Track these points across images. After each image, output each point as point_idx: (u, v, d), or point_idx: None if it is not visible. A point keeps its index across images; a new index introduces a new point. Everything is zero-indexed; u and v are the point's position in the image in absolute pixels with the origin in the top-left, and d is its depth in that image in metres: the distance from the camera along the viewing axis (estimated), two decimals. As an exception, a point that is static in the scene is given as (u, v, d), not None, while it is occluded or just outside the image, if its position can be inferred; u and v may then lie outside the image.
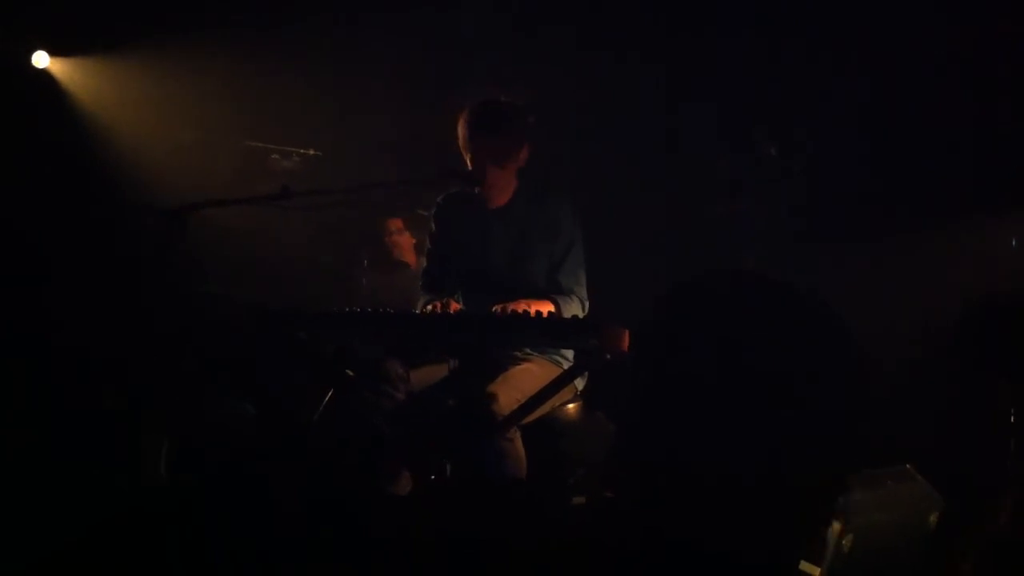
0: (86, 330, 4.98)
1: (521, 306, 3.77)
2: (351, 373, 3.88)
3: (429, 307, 3.95)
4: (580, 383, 4.05)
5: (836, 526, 3.64)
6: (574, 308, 4.05)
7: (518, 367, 3.93)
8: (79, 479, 3.96)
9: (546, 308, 3.89)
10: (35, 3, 5.61)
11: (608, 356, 3.47)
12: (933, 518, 3.73)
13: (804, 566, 3.56)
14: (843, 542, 3.62)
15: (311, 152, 5.68)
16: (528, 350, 4.00)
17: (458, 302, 4.08)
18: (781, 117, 5.00)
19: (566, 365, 4.03)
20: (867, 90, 4.90)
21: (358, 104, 5.79)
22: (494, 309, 3.77)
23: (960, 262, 4.53)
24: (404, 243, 5.49)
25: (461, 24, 5.71)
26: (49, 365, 4.82)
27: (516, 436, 3.78)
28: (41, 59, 5.83)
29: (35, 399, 4.58)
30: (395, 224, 5.50)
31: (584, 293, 4.14)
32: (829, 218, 4.89)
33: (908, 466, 3.82)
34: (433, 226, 4.34)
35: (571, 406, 4.02)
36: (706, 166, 5.19)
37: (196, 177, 5.40)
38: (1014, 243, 4.48)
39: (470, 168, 4.11)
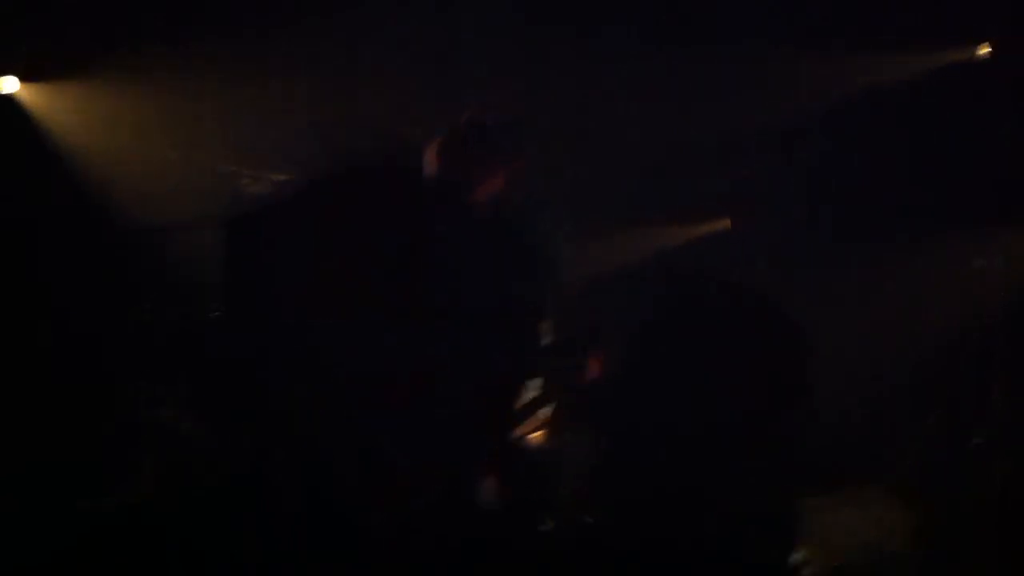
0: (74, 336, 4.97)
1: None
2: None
3: None
4: (549, 408, 4.03)
5: (804, 552, 3.60)
6: (543, 333, 4.01)
7: None
8: (75, 483, 3.96)
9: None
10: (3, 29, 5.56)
11: (577, 382, 3.45)
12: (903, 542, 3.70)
13: None
14: (809, 569, 3.57)
15: (281, 177, 5.65)
16: None
17: None
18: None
19: (533, 390, 4.01)
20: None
21: (334, 126, 5.78)
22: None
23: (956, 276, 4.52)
24: None
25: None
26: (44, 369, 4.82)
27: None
28: (9, 84, 5.72)
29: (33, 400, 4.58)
30: None
31: (554, 313, 4.09)
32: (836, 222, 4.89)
33: (882, 485, 3.77)
34: (423, 242, 4.31)
35: (538, 434, 4.03)
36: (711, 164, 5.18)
37: (166, 202, 5.38)
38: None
39: (451, 187, 4.10)
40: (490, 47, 5.42)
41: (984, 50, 4.43)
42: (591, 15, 5.32)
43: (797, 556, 3.47)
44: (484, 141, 4.05)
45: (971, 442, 3.98)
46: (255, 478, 3.63)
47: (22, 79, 5.68)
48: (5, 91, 5.62)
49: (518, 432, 3.82)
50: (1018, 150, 4.58)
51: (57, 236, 5.39)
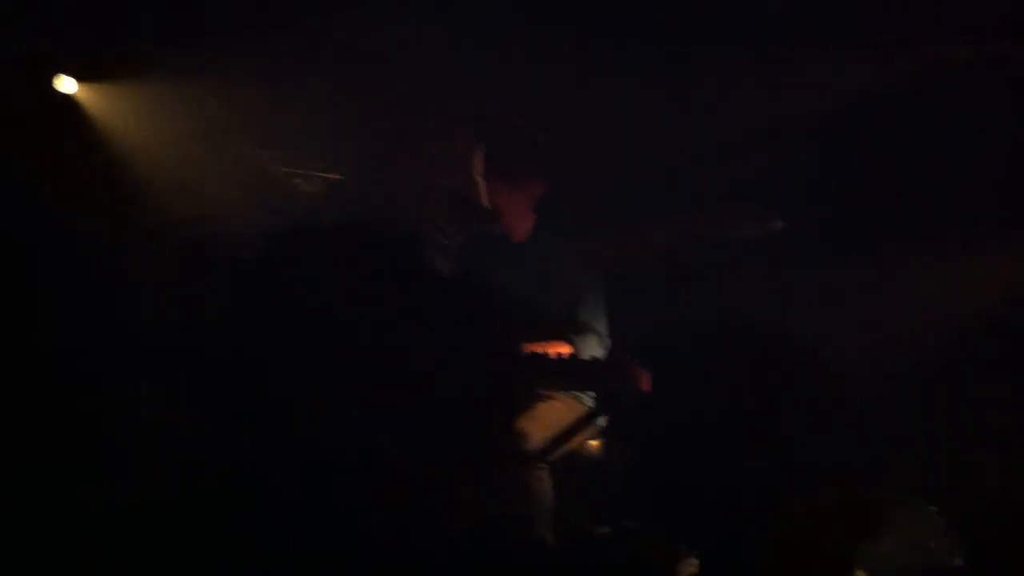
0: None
1: (540, 348, 3.76)
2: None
3: None
4: (602, 419, 4.02)
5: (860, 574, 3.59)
6: (592, 346, 4.01)
7: (544, 403, 3.89)
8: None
9: (566, 350, 3.87)
10: (62, 29, 5.63)
11: (627, 397, 3.47)
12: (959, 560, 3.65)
13: None
14: None
15: (334, 176, 5.68)
16: None
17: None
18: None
19: (589, 401, 4.00)
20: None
21: (385, 127, 5.80)
22: (514, 351, 3.77)
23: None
24: None
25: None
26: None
27: (543, 472, 3.77)
28: (67, 84, 5.81)
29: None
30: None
31: (604, 328, 4.10)
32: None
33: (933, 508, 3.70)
34: (452, 267, 4.30)
35: (595, 442, 4.01)
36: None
37: (217, 203, 5.43)
38: None
39: (480, 196, 4.10)
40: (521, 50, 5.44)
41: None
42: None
43: None
44: (520, 148, 4.06)
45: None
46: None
47: (79, 80, 5.78)
48: (64, 91, 5.72)
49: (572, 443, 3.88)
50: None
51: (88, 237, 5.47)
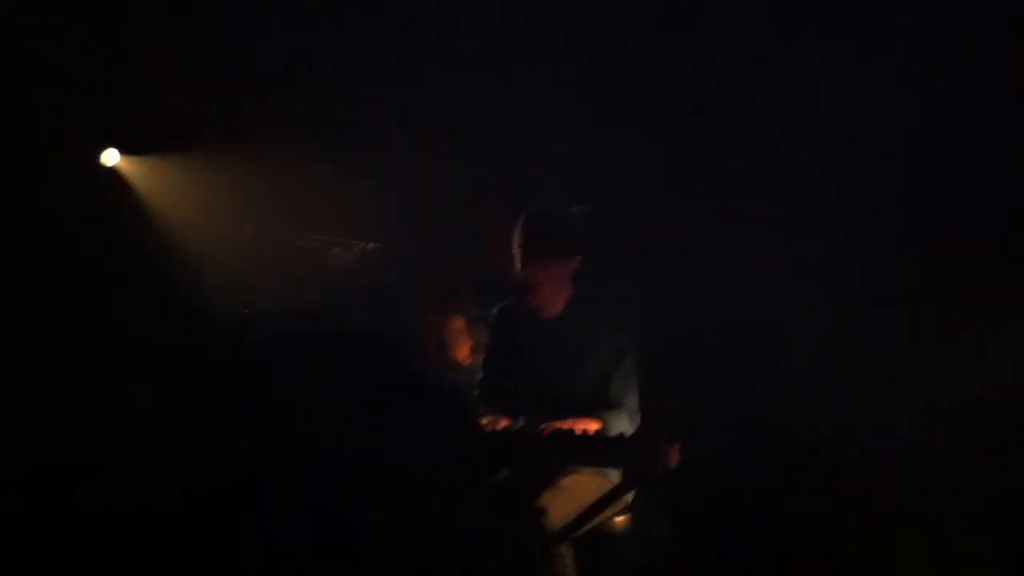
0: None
1: (568, 425, 3.75)
2: None
3: (484, 421, 3.94)
4: (630, 495, 3.99)
5: None
6: (621, 423, 3.97)
7: (569, 479, 3.87)
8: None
9: (593, 426, 3.85)
10: (107, 104, 5.72)
11: (655, 471, 3.47)
12: None
13: None
14: None
15: (371, 245, 5.72)
16: None
17: (511, 417, 4.03)
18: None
19: (615, 476, 3.96)
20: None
21: (421, 199, 5.85)
22: (540, 428, 3.75)
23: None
24: (462, 343, 5.39)
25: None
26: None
27: (568, 550, 3.75)
28: (111, 157, 5.98)
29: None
30: (457, 323, 5.38)
31: (635, 403, 4.07)
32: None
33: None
34: (489, 337, 4.32)
35: (621, 518, 3.98)
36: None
37: (256, 274, 5.50)
38: None
39: (519, 273, 4.09)
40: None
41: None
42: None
43: None
44: (561, 230, 4.09)
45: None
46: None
47: (123, 152, 5.91)
48: (109, 163, 5.86)
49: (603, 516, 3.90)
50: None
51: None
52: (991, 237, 4.62)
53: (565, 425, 3.75)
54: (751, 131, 5.06)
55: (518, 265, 4.11)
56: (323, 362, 3.70)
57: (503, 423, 3.93)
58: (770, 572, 3.79)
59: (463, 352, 5.30)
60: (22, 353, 4.82)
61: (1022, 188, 4.59)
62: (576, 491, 3.83)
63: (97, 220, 5.68)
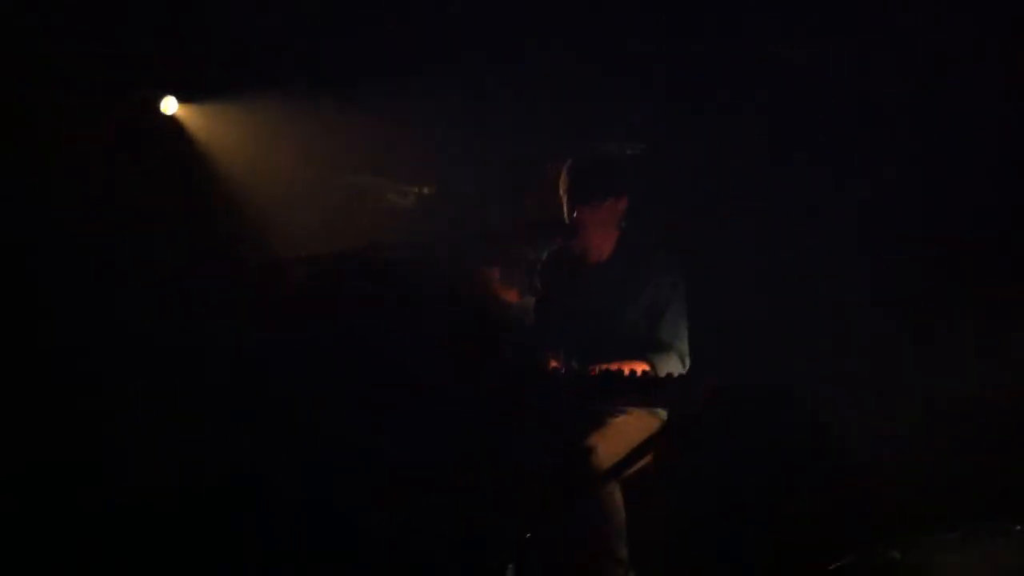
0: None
1: (615, 366, 3.76)
2: None
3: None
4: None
5: None
6: (671, 364, 4.01)
7: (617, 419, 3.92)
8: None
9: (641, 367, 3.87)
10: (165, 52, 5.67)
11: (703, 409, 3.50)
12: None
13: None
14: None
15: (425, 190, 5.69)
16: None
17: (561, 359, 4.05)
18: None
19: (663, 415, 4.03)
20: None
21: (478, 142, 5.80)
22: (591, 369, 3.78)
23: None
24: (505, 290, 5.42)
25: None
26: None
27: (616, 489, 3.79)
28: (170, 105, 5.96)
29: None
30: (491, 275, 5.40)
31: (684, 347, 4.12)
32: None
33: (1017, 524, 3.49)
34: (539, 284, 4.37)
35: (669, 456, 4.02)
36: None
37: (309, 219, 5.49)
38: None
39: (567, 220, 4.11)
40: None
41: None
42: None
43: None
44: (608, 173, 4.11)
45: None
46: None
47: (181, 100, 5.91)
48: (167, 111, 5.86)
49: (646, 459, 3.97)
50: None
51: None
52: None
53: (614, 366, 3.76)
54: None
55: (565, 208, 4.12)
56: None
57: (553, 365, 3.94)
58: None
59: (512, 295, 5.30)
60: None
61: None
62: (625, 431, 3.88)
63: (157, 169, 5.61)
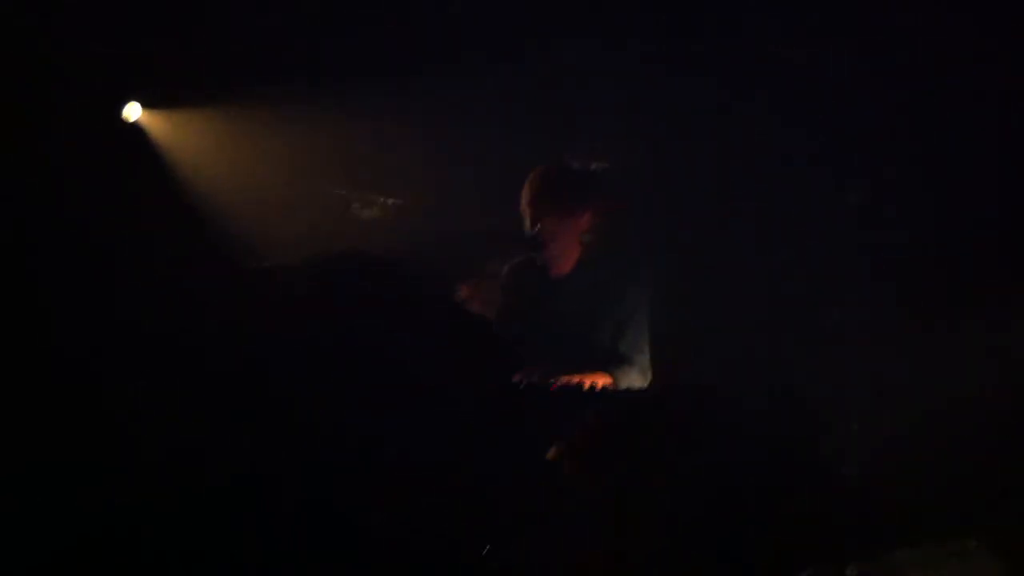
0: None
1: (577, 379, 3.78)
2: None
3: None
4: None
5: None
6: (631, 378, 4.04)
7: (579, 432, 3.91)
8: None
9: (602, 381, 3.91)
10: (129, 57, 5.63)
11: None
12: None
13: None
14: None
15: (391, 201, 5.67)
16: None
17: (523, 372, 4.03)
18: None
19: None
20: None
21: (443, 154, 5.79)
22: (549, 383, 3.76)
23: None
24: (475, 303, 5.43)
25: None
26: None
27: (580, 501, 3.77)
28: (133, 111, 5.91)
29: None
30: (463, 291, 5.44)
31: (645, 360, 4.12)
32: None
33: (974, 542, 3.51)
34: (501, 296, 4.37)
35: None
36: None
37: (274, 228, 5.46)
38: None
39: (530, 231, 4.12)
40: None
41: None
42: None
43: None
44: (573, 185, 4.08)
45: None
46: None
47: (145, 106, 5.86)
48: (130, 118, 5.81)
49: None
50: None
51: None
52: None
53: (575, 379, 3.77)
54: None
55: (528, 219, 4.12)
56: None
57: (514, 377, 3.93)
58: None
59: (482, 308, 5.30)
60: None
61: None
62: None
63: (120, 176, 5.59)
